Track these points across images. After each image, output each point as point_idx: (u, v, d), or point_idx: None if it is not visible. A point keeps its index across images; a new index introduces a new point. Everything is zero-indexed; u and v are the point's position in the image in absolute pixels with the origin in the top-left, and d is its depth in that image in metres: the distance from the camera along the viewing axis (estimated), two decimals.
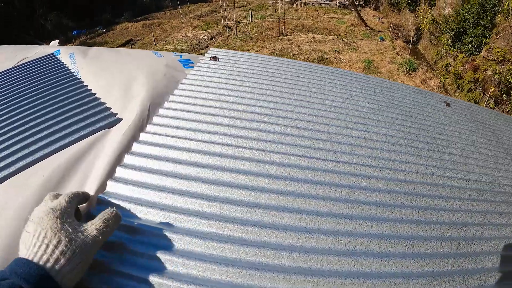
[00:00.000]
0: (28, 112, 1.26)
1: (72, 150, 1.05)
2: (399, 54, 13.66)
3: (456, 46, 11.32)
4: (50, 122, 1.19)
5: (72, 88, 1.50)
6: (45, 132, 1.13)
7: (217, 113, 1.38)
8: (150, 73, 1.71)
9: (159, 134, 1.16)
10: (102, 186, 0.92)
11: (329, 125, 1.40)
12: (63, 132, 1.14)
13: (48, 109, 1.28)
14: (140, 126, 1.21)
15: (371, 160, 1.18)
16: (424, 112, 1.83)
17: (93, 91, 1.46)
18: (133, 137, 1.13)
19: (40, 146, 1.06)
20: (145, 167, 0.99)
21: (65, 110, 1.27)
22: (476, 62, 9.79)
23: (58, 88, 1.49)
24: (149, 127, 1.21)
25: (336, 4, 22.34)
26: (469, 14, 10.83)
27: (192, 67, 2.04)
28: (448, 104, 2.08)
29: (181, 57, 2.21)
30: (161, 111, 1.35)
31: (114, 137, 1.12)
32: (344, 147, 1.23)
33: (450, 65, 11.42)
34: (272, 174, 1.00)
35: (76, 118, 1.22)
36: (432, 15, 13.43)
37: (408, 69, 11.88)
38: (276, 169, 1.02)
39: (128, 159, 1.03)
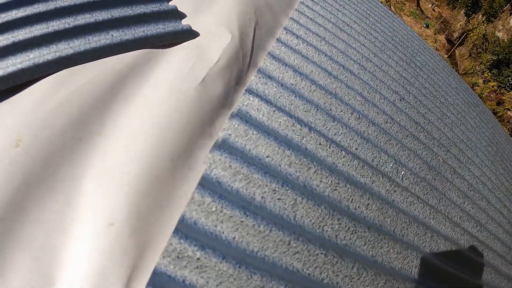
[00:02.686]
0: None
1: None
2: (436, 49, 13.08)
3: (492, 72, 10.98)
4: None
5: None
6: None
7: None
8: None
9: None
10: None
11: None
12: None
13: None
14: None
15: None
16: None
17: None
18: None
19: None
20: None
21: None
22: (504, 97, 9.66)
23: None
24: None
25: None
26: None
27: None
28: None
29: None
30: None
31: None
32: None
33: (477, 86, 11.20)
34: None
35: None
36: (485, 30, 12.67)
37: None
38: None
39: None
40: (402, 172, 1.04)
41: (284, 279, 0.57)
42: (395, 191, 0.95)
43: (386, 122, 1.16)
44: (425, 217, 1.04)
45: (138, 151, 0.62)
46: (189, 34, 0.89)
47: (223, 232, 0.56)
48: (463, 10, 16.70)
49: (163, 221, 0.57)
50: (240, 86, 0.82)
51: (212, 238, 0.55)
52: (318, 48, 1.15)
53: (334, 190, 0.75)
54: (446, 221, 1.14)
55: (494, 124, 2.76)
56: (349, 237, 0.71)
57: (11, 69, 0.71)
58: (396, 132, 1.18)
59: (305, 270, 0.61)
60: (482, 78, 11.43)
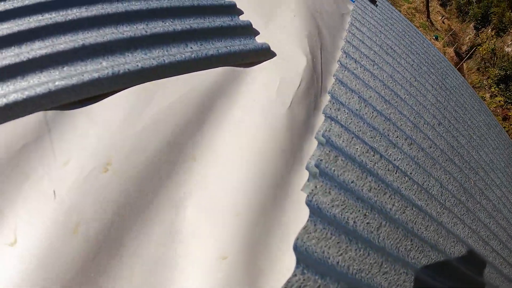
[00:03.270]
0: None
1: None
2: None
3: (499, 86, 11.10)
4: None
5: None
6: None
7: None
8: None
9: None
10: None
11: None
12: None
13: None
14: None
15: None
16: None
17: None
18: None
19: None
20: None
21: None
22: (510, 113, 9.78)
23: None
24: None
25: None
26: None
27: None
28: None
29: None
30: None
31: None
32: None
33: (484, 100, 11.30)
34: None
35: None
36: (494, 44, 12.76)
37: None
38: None
39: None
40: (446, 194, 1.12)
41: None
42: (444, 213, 1.02)
43: (430, 147, 1.24)
44: (464, 236, 1.12)
45: (242, 179, 0.63)
46: (268, 53, 0.94)
47: (329, 258, 0.59)
48: (473, 23, 16.76)
49: (272, 251, 0.57)
50: (317, 110, 0.89)
51: (322, 264, 0.58)
52: (372, 73, 1.22)
53: (403, 213, 0.82)
54: (479, 240, 1.22)
55: (510, 144, 2.84)
56: (417, 256, 0.79)
57: (86, 77, 0.66)
58: (438, 156, 1.26)
59: None
60: (489, 93, 11.55)
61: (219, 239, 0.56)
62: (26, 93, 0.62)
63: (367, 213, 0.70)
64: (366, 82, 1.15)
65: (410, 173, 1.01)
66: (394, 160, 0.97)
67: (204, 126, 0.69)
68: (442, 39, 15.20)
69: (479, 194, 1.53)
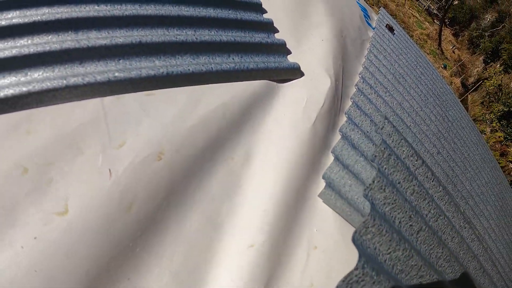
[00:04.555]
0: None
1: None
2: None
3: (501, 122, 11.31)
4: None
5: None
6: None
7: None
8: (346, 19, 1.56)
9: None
10: None
11: None
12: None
13: None
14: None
15: None
16: None
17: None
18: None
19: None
20: None
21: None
22: (509, 149, 9.98)
23: None
24: None
25: (424, 6, 20.54)
26: None
27: (369, 23, 1.90)
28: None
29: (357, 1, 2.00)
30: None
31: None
32: None
33: (484, 133, 11.51)
34: None
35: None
36: (501, 80, 13.00)
37: None
38: None
39: None
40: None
41: None
42: (465, 227, 1.13)
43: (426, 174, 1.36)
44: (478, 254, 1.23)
45: (270, 180, 0.74)
46: (298, 72, 1.06)
47: (379, 255, 0.61)
48: (482, 57, 17.02)
49: (293, 243, 0.68)
50: (334, 129, 1.01)
51: (373, 260, 0.59)
52: (384, 99, 1.35)
53: (436, 221, 0.92)
54: (474, 259, 1.34)
55: (502, 180, 2.98)
56: (444, 265, 0.87)
57: (144, 73, 0.72)
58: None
59: None
60: (490, 127, 11.75)
61: (248, 229, 0.66)
62: (87, 79, 0.68)
63: (412, 216, 0.78)
64: (378, 107, 1.28)
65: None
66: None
67: (241, 131, 0.79)
68: (450, 68, 15.43)
69: (467, 222, 1.65)
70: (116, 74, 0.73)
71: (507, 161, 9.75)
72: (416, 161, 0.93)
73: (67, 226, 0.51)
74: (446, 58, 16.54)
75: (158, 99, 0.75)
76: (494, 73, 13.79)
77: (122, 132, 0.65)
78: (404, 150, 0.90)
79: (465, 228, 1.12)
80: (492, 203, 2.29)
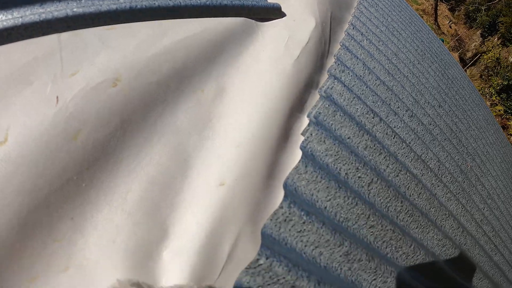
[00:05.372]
0: None
1: None
2: None
3: (500, 96, 11.16)
4: None
5: None
6: None
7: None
8: None
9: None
10: None
11: None
12: None
13: None
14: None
15: None
16: None
17: None
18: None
19: None
20: None
21: None
22: (509, 123, 9.86)
23: None
24: None
25: None
26: None
27: None
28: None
29: None
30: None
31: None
32: None
33: None
34: None
35: None
36: (499, 53, 12.80)
37: None
38: None
39: None
40: (443, 170, 1.14)
41: (363, 250, 0.65)
42: (438, 186, 1.04)
43: (430, 124, 1.26)
44: (457, 214, 1.14)
45: (248, 115, 0.65)
46: (279, 12, 0.96)
47: (317, 201, 0.61)
48: (480, 31, 16.77)
49: (268, 184, 0.59)
50: (322, 69, 0.90)
51: (310, 205, 0.61)
52: (377, 47, 1.24)
53: (397, 176, 0.84)
54: (472, 220, 1.24)
55: (506, 144, 2.87)
56: (406, 219, 0.81)
57: (104, 7, 0.65)
58: (437, 134, 1.28)
59: (375, 243, 0.70)
60: (489, 101, 11.60)
61: (218, 167, 0.58)
62: (44, 16, 0.63)
63: (359, 167, 0.71)
64: (371, 53, 1.17)
65: (409, 142, 1.03)
66: (394, 127, 0.98)
67: (214, 63, 0.70)
68: (448, 43, 15.23)
69: (474, 179, 1.55)
70: (75, 9, 0.66)
71: (508, 134, 9.63)
72: (373, 118, 0.85)
73: (4, 156, 0.45)
74: (443, 33, 16.31)
75: (119, 32, 0.67)
76: (492, 47, 13.59)
77: (77, 63, 0.58)
78: (358, 108, 0.82)
79: (438, 186, 1.03)
80: (498, 164, 2.18)
